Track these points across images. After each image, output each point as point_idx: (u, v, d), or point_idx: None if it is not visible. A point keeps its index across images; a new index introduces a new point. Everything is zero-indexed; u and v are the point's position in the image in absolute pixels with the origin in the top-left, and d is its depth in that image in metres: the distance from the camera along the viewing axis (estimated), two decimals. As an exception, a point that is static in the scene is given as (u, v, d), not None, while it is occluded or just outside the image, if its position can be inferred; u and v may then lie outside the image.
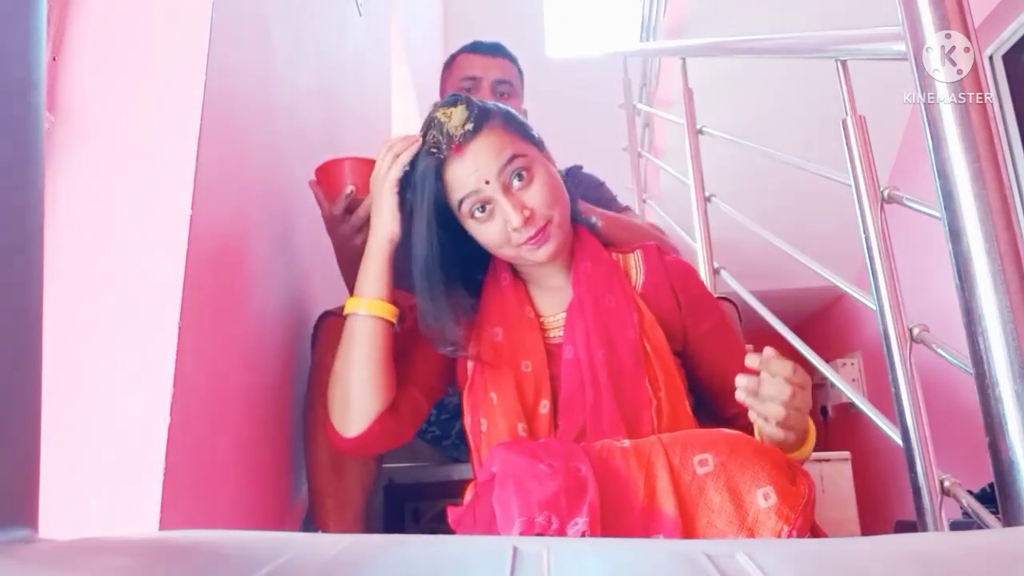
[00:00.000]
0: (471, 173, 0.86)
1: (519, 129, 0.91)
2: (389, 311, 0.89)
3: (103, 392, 0.68)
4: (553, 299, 0.96)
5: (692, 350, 0.96)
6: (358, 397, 0.87)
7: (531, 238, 0.87)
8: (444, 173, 0.88)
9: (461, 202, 0.87)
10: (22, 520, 0.30)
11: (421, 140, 0.90)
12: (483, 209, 0.87)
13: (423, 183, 0.88)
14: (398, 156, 0.90)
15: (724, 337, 0.97)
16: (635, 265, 0.99)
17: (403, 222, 0.90)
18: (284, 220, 1.11)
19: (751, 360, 0.75)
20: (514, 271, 0.98)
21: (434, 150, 0.87)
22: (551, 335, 0.94)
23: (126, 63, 0.77)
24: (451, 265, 0.91)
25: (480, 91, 1.38)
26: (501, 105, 0.93)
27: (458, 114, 0.87)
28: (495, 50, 1.44)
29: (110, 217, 0.72)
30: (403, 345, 0.96)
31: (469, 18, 4.60)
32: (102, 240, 0.72)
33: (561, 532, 0.64)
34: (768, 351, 0.76)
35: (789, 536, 0.63)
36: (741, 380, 0.75)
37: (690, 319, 0.96)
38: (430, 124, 0.89)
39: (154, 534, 0.57)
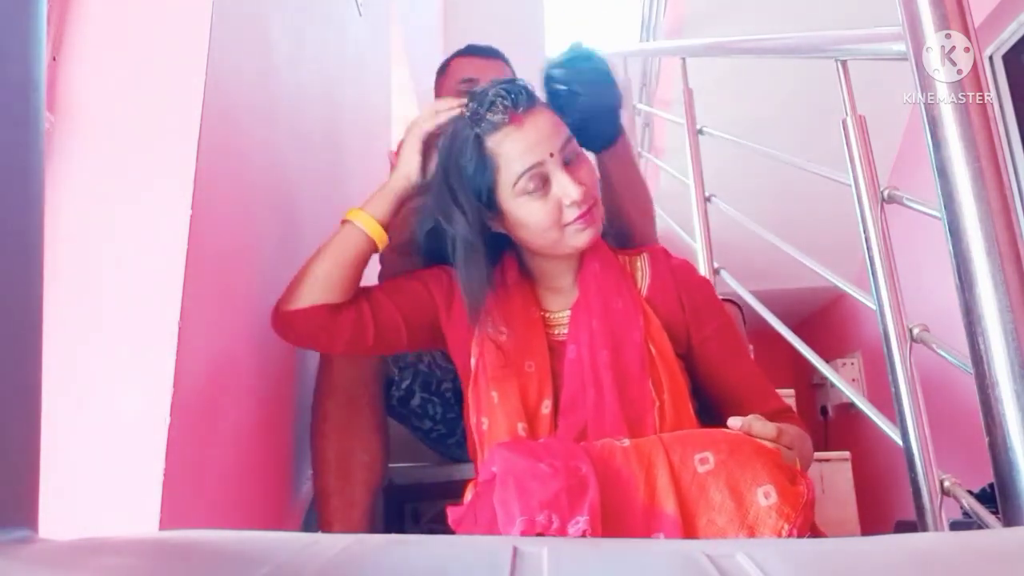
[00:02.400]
0: (535, 143, 0.86)
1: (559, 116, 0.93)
2: (380, 236, 0.93)
3: (103, 392, 0.68)
4: (559, 297, 0.96)
5: (695, 354, 0.96)
6: (308, 282, 0.91)
7: (582, 215, 0.87)
8: (495, 147, 0.87)
9: (520, 176, 0.86)
10: (22, 520, 0.30)
11: (466, 110, 0.91)
12: (539, 185, 0.86)
13: (468, 151, 0.88)
14: (439, 112, 0.94)
15: (726, 342, 0.96)
16: (640, 268, 0.98)
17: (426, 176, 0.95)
18: (284, 220, 1.11)
19: (733, 423, 0.74)
20: (521, 271, 0.98)
21: (490, 116, 0.86)
22: (555, 331, 0.94)
23: (126, 63, 0.77)
24: (486, 238, 0.91)
25: None
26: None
27: (513, 87, 0.88)
28: (490, 53, 1.43)
29: (110, 217, 0.72)
30: (399, 279, 0.98)
31: (469, 18, 4.61)
32: (102, 240, 0.72)
33: (562, 531, 0.64)
34: (751, 417, 0.75)
35: (789, 535, 0.64)
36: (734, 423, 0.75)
37: (693, 323, 0.95)
38: (480, 97, 0.89)
39: (154, 534, 0.57)
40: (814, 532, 0.70)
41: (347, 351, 0.97)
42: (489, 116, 0.86)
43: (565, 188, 0.85)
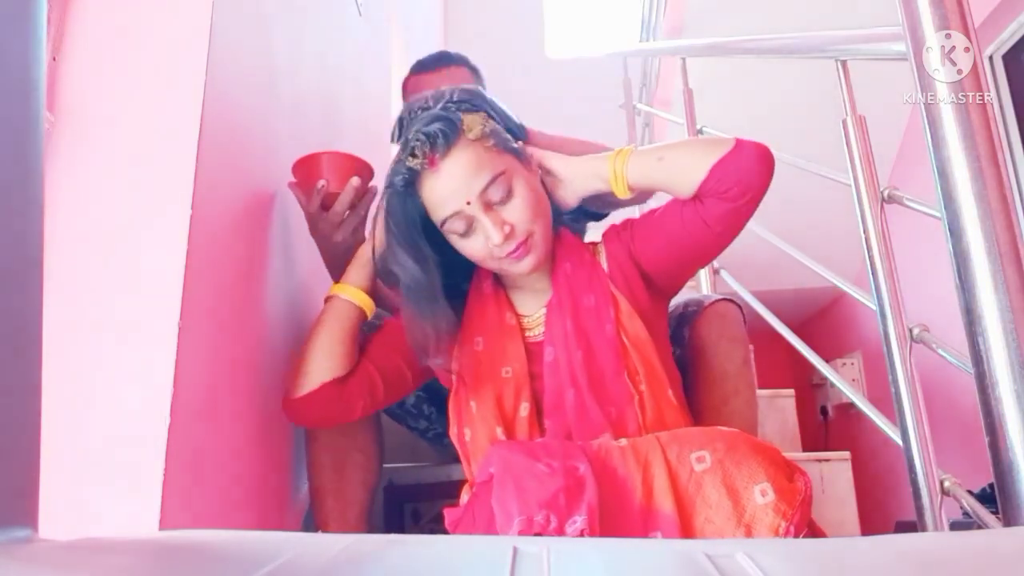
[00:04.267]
0: (450, 194, 0.85)
1: (497, 141, 0.88)
2: (367, 303, 0.95)
3: (103, 392, 0.68)
4: (533, 299, 0.97)
5: (653, 261, 0.94)
6: (311, 363, 0.91)
7: (512, 252, 0.87)
8: (420, 188, 0.87)
9: (443, 221, 0.87)
10: (22, 520, 0.30)
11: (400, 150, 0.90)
12: (465, 227, 0.87)
13: (399, 202, 0.88)
14: None
15: (649, 220, 0.94)
16: (600, 251, 0.98)
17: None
18: (284, 220, 1.11)
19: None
20: (496, 277, 0.98)
21: (409, 163, 0.86)
22: (532, 333, 0.95)
23: (126, 63, 0.77)
24: (436, 281, 0.90)
25: None
26: (476, 112, 0.91)
27: (431, 130, 0.85)
28: (437, 63, 1.39)
29: (110, 217, 0.72)
30: (390, 326, 0.98)
31: (469, 18, 4.60)
32: (102, 240, 0.72)
33: (560, 531, 0.64)
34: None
35: (787, 533, 0.64)
36: None
37: (638, 242, 0.94)
38: (404, 141, 0.89)
39: (154, 534, 0.57)
40: (812, 529, 0.70)
41: (364, 415, 0.96)
42: (409, 163, 0.86)
43: (488, 233, 0.86)
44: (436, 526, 1.33)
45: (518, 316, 0.96)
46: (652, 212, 0.95)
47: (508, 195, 0.86)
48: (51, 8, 0.75)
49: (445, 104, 0.92)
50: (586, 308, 0.91)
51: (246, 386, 0.91)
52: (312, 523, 1.07)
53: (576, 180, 0.93)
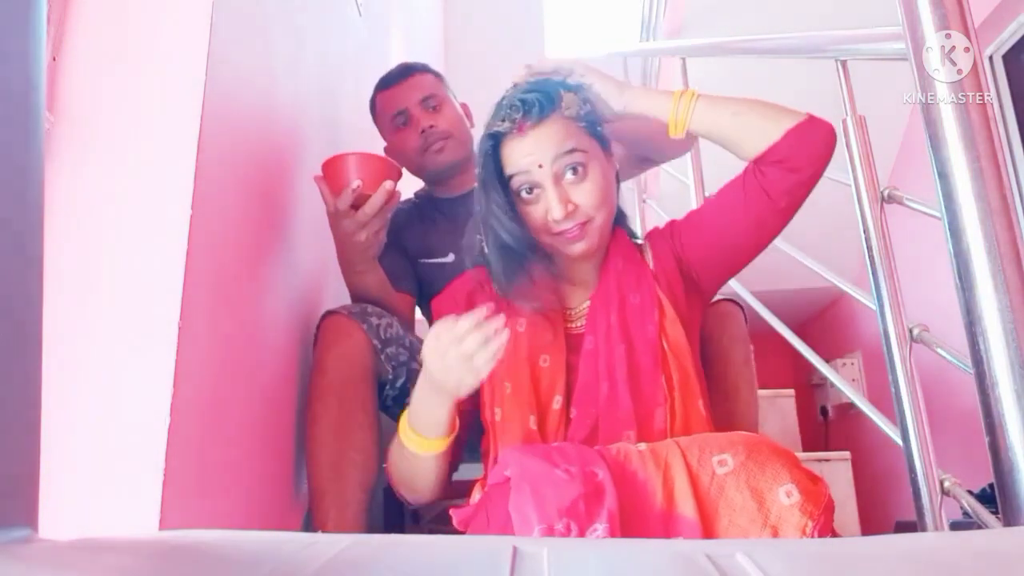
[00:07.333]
0: (526, 155, 0.87)
1: (588, 124, 0.91)
2: (449, 441, 0.87)
3: (103, 392, 0.68)
4: (579, 291, 0.97)
5: (702, 249, 0.95)
6: (427, 494, 0.92)
7: (568, 231, 0.88)
8: (503, 149, 0.89)
9: (511, 178, 0.89)
10: (22, 520, 0.30)
11: (494, 113, 0.91)
12: (530, 191, 0.88)
13: (492, 165, 0.90)
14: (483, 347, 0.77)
15: (700, 211, 0.98)
16: (647, 250, 0.99)
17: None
18: (285, 220, 1.11)
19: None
20: (547, 266, 0.97)
21: (497, 127, 0.88)
22: (575, 324, 0.95)
23: (126, 63, 0.77)
24: (530, 235, 0.91)
25: (412, 119, 1.34)
26: (576, 93, 0.92)
27: (529, 98, 0.87)
28: (403, 75, 1.39)
29: (110, 217, 0.72)
30: None
31: (469, 18, 4.60)
32: (102, 240, 0.72)
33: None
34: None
35: (813, 532, 0.64)
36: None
37: (684, 241, 0.97)
38: (499, 103, 0.91)
39: (154, 534, 0.57)
40: (832, 536, 0.70)
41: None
42: (497, 127, 0.88)
43: (549, 204, 0.87)
44: (436, 526, 1.33)
45: (563, 305, 0.96)
46: (700, 208, 0.97)
47: (582, 176, 0.88)
48: (51, 8, 0.75)
49: (550, 77, 0.94)
50: (632, 306, 0.92)
51: (246, 386, 0.91)
52: (312, 523, 1.07)
53: (632, 104, 0.94)
